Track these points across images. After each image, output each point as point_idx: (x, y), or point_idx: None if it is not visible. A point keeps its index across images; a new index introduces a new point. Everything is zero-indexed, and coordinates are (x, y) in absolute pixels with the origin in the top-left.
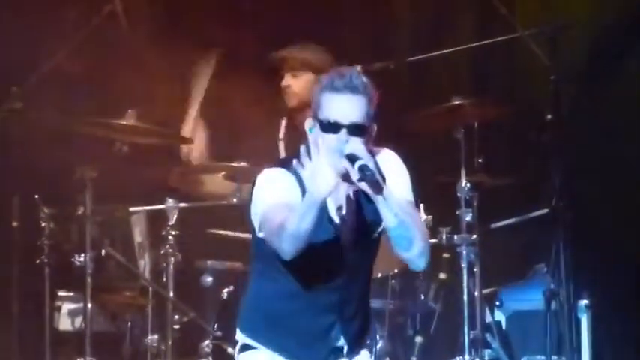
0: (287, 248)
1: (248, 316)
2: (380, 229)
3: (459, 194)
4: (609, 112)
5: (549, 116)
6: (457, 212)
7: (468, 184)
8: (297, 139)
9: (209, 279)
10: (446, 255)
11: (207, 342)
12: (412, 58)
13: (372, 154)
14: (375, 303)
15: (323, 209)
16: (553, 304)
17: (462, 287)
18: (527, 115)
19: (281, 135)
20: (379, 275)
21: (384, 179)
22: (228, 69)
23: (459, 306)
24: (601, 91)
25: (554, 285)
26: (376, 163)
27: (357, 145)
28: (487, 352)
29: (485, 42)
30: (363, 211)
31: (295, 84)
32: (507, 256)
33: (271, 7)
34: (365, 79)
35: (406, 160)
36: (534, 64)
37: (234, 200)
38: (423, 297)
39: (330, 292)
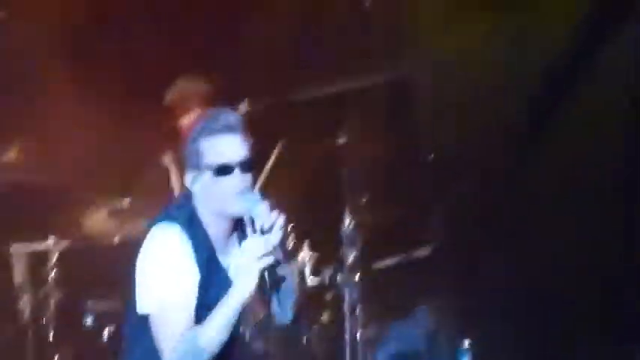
0: None
1: None
2: None
3: (342, 232)
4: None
5: (431, 154)
6: (340, 251)
7: (351, 223)
8: None
9: (91, 319)
10: (328, 296)
11: None
12: (294, 97)
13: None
14: (255, 346)
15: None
16: (434, 345)
17: (344, 329)
18: (412, 152)
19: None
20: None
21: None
22: (119, 102)
23: (342, 347)
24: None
25: (435, 326)
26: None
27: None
28: None
29: (374, 78)
30: None
31: (186, 121)
32: (390, 296)
33: (158, 37)
34: (236, 114)
35: (292, 196)
36: (421, 100)
37: (116, 240)
38: (305, 338)
39: None
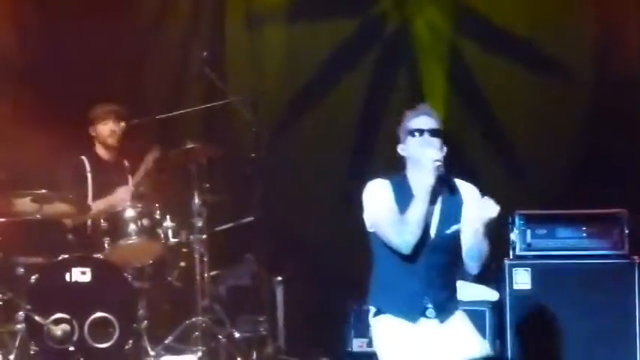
0: (409, 240)
1: (375, 289)
2: (456, 228)
3: (193, 208)
4: (296, 151)
5: (252, 154)
6: (192, 220)
7: (199, 201)
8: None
9: (22, 270)
10: (184, 250)
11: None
12: (159, 116)
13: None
14: (135, 284)
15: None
16: (256, 280)
17: (196, 271)
18: (239, 153)
19: (88, 169)
20: (139, 265)
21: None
22: (42, 122)
23: (195, 283)
24: (289, 136)
25: (257, 268)
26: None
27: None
28: (215, 312)
29: (212, 104)
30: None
31: (100, 131)
32: (227, 248)
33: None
34: (430, 107)
35: (161, 187)
36: (243, 119)
37: (38, 216)
38: (169, 279)
39: (420, 266)
